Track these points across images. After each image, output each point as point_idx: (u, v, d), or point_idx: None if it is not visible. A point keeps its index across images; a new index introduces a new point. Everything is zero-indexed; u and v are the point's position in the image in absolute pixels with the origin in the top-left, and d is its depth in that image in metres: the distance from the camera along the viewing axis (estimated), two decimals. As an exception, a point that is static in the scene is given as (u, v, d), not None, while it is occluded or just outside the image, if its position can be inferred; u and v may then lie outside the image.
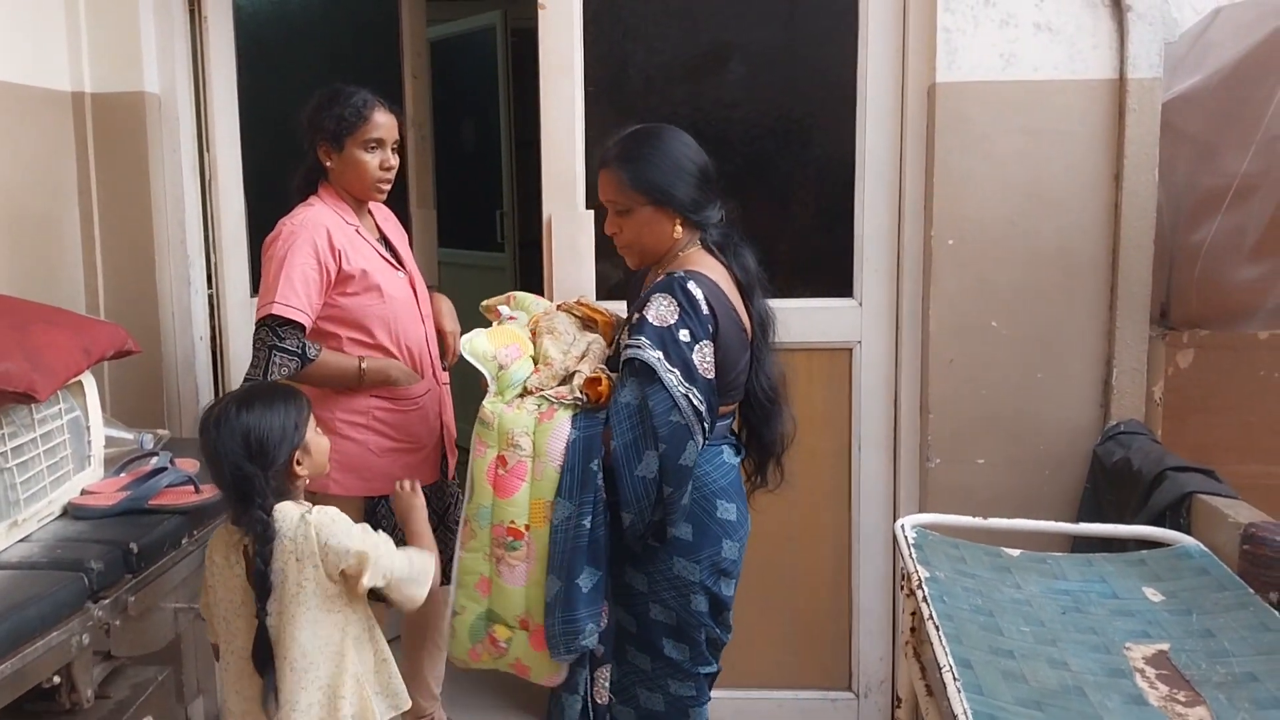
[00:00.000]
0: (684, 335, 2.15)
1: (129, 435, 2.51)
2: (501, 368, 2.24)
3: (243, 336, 3.42)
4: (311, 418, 2.07)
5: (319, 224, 2.66)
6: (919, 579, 2.07)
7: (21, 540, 2.01)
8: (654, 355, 2.12)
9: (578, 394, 2.24)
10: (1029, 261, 2.95)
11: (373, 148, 2.73)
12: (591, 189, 3.14)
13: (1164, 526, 2.46)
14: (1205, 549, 2.28)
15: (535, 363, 2.34)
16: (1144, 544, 2.41)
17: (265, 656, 1.95)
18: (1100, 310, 2.95)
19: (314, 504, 2.00)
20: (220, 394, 3.38)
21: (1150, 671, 1.84)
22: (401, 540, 2.10)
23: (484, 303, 2.69)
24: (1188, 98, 3.23)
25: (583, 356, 2.31)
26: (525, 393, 2.27)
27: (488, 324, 2.58)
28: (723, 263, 2.32)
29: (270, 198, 3.46)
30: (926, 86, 2.96)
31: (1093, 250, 2.94)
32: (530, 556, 2.20)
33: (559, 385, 2.28)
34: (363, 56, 4.02)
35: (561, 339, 2.35)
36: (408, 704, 2.12)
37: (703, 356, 2.16)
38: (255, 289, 3.43)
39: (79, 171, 3.13)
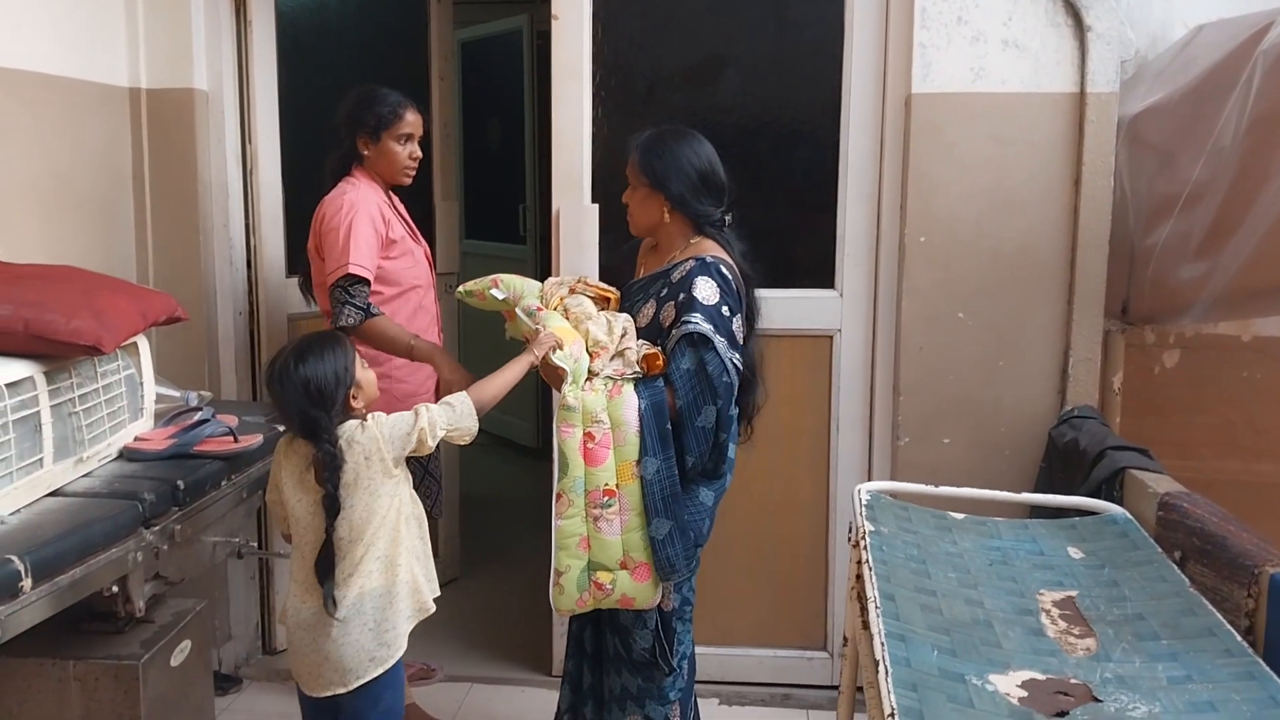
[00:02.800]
0: (725, 310, 2.59)
1: (176, 393, 2.82)
2: (576, 362, 2.56)
3: (278, 312, 3.73)
4: (358, 356, 2.42)
5: (370, 199, 3.11)
6: (863, 532, 2.35)
7: (84, 475, 2.32)
8: (708, 328, 2.54)
9: (636, 368, 2.60)
10: (994, 259, 3.22)
11: (404, 141, 3.19)
12: (597, 185, 3.44)
13: (1101, 498, 2.72)
14: (1129, 516, 2.54)
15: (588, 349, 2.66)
16: (1084, 513, 2.68)
17: (327, 568, 2.33)
18: (1059, 305, 3.22)
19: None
20: (255, 364, 3.69)
21: (1055, 612, 2.11)
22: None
23: (466, 286, 2.89)
24: (1155, 110, 3.46)
25: (623, 335, 2.64)
26: (590, 375, 2.60)
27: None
28: (728, 251, 2.71)
29: (306, 187, 3.77)
30: (904, 97, 3.24)
31: (1052, 249, 3.20)
32: (624, 509, 2.57)
33: (612, 361, 2.62)
34: (394, 60, 4.29)
35: (599, 322, 2.65)
36: (437, 592, 2.51)
37: (738, 326, 2.62)
38: (290, 271, 3.74)
39: (134, 159, 3.44)
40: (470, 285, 2.88)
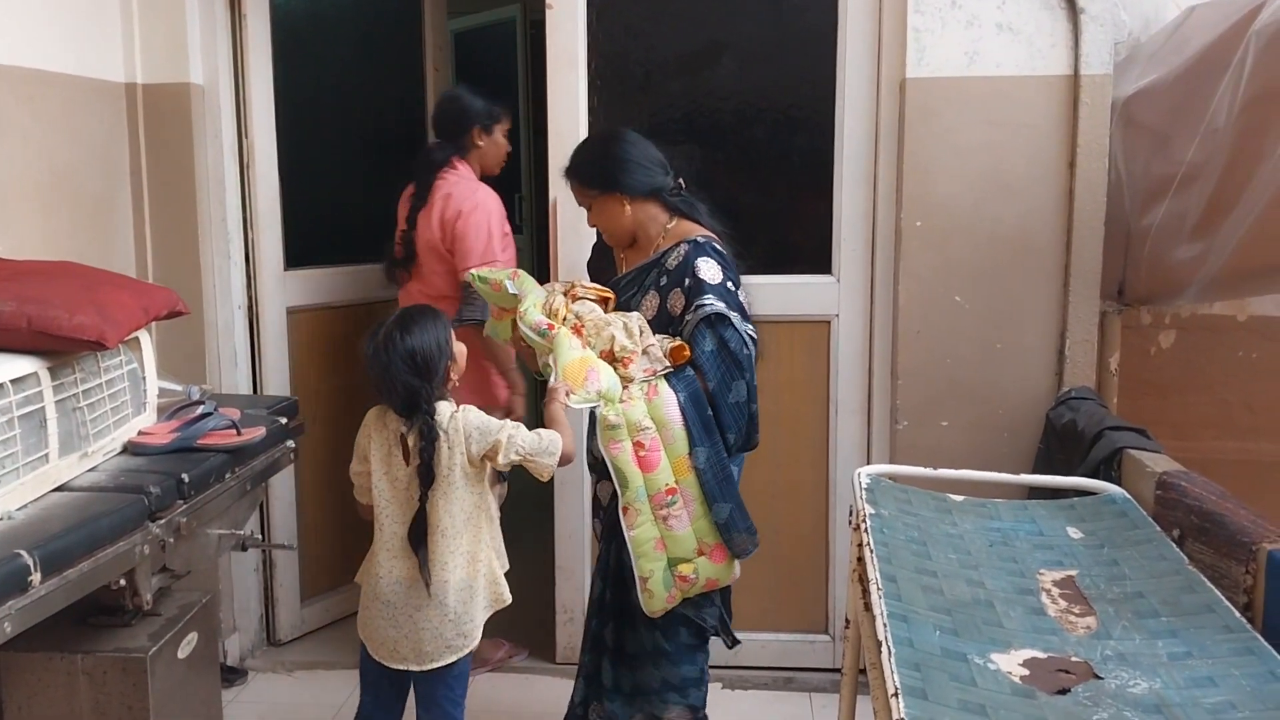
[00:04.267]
0: (730, 285, 2.65)
1: (178, 387, 2.82)
2: (602, 390, 2.56)
3: (275, 305, 3.73)
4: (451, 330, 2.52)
5: (497, 199, 3.47)
6: (864, 514, 2.37)
7: (90, 470, 2.33)
8: (721, 306, 2.60)
9: (665, 363, 2.63)
10: (990, 242, 3.23)
11: (506, 135, 3.62)
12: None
13: (1099, 478, 2.74)
14: (1128, 495, 2.56)
15: (611, 358, 2.63)
16: (1083, 494, 2.70)
17: (420, 535, 2.43)
18: (1055, 287, 3.23)
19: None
20: (255, 357, 3.70)
21: (1055, 591, 2.13)
22: None
23: (482, 271, 2.87)
24: (1149, 91, 3.47)
25: (641, 333, 2.65)
26: (624, 383, 2.61)
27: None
28: (700, 221, 2.77)
29: (303, 179, 3.79)
30: (898, 82, 3.24)
31: (1048, 232, 3.22)
32: (687, 501, 2.64)
33: (639, 361, 2.64)
34: (388, 51, 4.28)
35: (619, 327, 2.64)
36: (506, 567, 2.66)
37: (744, 298, 2.69)
38: (288, 264, 3.76)
39: (131, 155, 3.44)
40: (486, 271, 2.88)
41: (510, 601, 2.63)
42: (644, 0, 3.47)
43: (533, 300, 2.73)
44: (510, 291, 2.77)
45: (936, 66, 3.18)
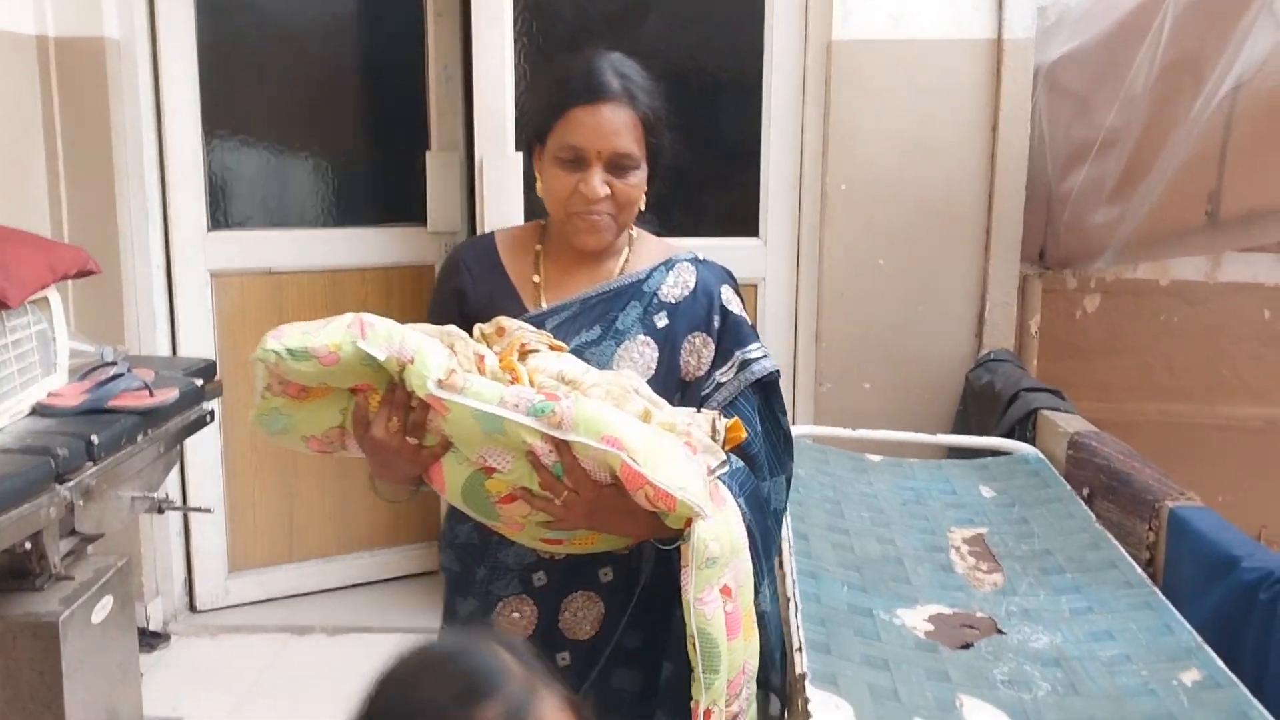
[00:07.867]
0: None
1: (91, 348, 2.76)
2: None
3: (193, 265, 3.65)
4: None
5: None
6: (781, 475, 2.39)
7: (-5, 432, 2.30)
8: (771, 362, 1.73)
9: (724, 455, 1.53)
10: (913, 205, 3.26)
11: None
12: (520, 133, 3.39)
13: (1015, 439, 2.79)
14: (1041, 455, 2.61)
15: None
16: (998, 454, 2.74)
17: None
18: (976, 249, 3.27)
19: None
20: (173, 318, 3.63)
21: (965, 549, 2.17)
22: None
23: (293, 343, 1.43)
24: (1072, 56, 3.51)
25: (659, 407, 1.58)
26: None
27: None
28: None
29: (230, 138, 3.70)
30: (825, 43, 3.24)
31: (970, 196, 3.25)
32: (749, 678, 1.56)
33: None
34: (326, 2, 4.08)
35: (634, 401, 1.52)
36: None
37: None
38: (212, 225, 3.68)
39: (44, 111, 3.33)
40: (298, 338, 1.44)
41: None
42: (571, -44, 3.44)
43: (439, 359, 1.44)
44: (380, 357, 1.43)
45: (861, 28, 3.18)
